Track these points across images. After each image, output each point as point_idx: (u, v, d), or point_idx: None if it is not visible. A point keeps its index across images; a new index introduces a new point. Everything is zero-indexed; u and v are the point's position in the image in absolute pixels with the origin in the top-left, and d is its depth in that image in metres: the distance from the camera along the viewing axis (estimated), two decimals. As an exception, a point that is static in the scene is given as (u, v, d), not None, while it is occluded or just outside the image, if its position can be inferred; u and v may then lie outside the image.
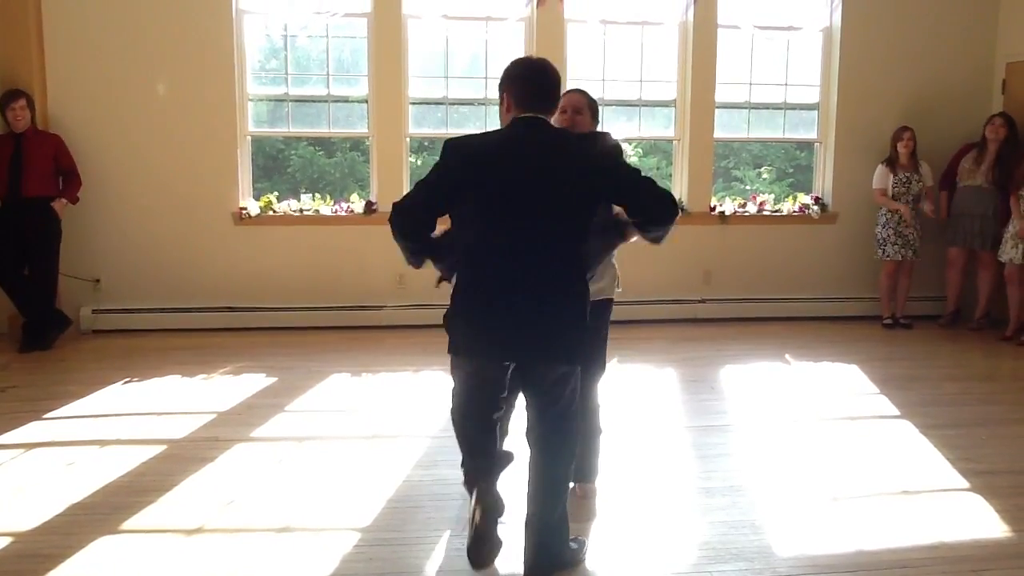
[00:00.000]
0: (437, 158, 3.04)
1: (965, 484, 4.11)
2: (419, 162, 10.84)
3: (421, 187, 3.06)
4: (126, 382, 5.61)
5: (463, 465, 3.53)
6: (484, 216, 3.01)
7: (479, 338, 3.04)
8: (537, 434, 3.19)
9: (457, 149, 3.02)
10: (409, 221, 3.03)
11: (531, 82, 3.08)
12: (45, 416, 4.91)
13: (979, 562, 3.37)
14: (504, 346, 3.03)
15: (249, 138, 7.15)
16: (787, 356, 6.47)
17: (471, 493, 3.13)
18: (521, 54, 7.18)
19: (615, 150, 3.13)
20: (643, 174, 3.04)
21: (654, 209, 3.02)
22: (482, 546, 3.02)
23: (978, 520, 3.74)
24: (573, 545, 3.29)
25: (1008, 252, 6.93)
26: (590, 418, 3.67)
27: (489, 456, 3.20)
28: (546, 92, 3.09)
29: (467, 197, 3.02)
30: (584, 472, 3.77)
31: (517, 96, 3.07)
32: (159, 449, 4.45)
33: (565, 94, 3.55)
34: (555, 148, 3.02)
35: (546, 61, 3.17)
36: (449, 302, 3.14)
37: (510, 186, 2.95)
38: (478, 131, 7.46)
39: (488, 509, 3.04)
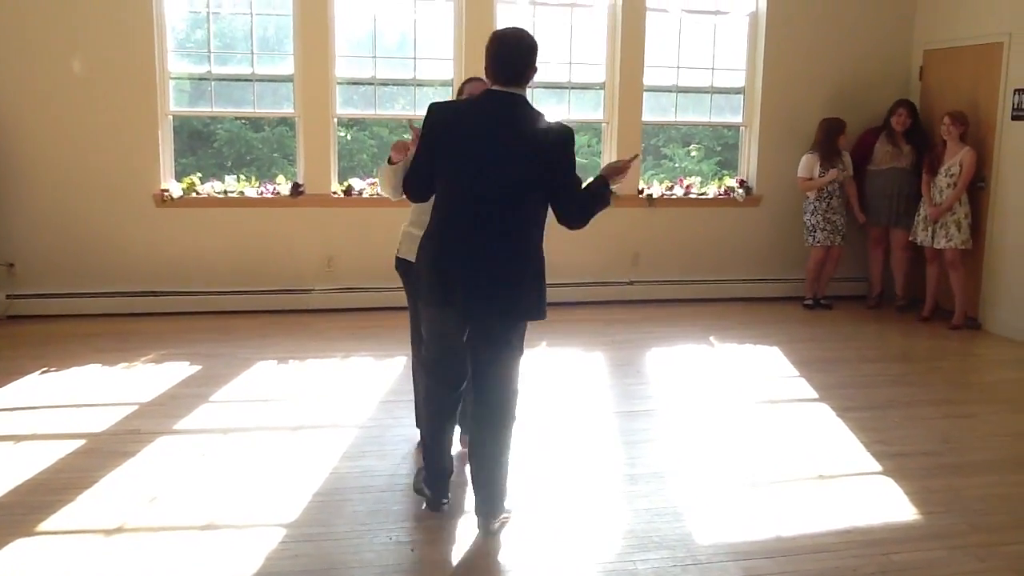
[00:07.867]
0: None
1: (878, 467, 4.27)
2: (348, 136, 10.74)
3: (415, 154, 3.49)
4: (43, 372, 5.45)
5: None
6: (449, 173, 3.36)
7: (434, 289, 3.39)
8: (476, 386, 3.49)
9: (434, 111, 3.40)
10: (412, 189, 3.52)
11: (497, 59, 3.33)
12: (-44, 409, 4.75)
13: (889, 545, 3.51)
14: (456, 301, 3.34)
15: (170, 118, 6.95)
16: (711, 338, 6.60)
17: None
18: (451, 33, 7.12)
19: (566, 144, 3.33)
20: (576, 176, 3.38)
21: (568, 211, 3.42)
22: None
23: (889, 503, 3.89)
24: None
25: (919, 235, 7.15)
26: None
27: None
28: (510, 69, 3.33)
29: (440, 153, 3.37)
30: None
31: (490, 70, 3.36)
32: (78, 443, 4.35)
33: (475, 82, 3.89)
34: (513, 126, 3.32)
35: (518, 34, 3.36)
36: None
37: (470, 151, 3.30)
38: (408, 110, 7.41)
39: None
